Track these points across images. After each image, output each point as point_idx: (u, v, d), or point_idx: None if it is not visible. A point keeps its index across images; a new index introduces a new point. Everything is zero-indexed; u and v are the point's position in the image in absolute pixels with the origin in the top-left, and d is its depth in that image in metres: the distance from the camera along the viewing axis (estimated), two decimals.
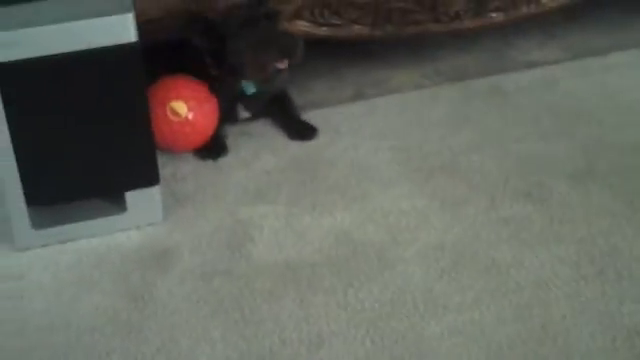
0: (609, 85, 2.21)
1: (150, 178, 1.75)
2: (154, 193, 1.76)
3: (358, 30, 2.19)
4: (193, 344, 1.51)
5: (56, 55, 1.58)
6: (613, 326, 1.50)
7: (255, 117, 2.08)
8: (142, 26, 1.66)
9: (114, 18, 1.59)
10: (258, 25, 1.93)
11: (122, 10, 1.60)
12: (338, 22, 2.16)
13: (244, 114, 2.06)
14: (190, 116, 1.89)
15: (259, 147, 2.00)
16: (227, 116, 2.02)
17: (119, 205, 1.76)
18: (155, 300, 1.60)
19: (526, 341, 1.49)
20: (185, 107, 1.88)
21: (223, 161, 1.96)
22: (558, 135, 2.01)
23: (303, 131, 2.06)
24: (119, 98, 1.66)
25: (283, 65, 1.91)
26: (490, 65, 2.34)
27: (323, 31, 2.16)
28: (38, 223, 1.72)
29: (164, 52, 1.93)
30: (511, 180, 1.87)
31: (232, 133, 2.02)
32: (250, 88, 2.00)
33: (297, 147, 2.02)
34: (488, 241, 1.71)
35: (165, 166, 1.90)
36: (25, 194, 1.68)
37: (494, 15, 2.29)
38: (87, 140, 1.67)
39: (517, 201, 1.80)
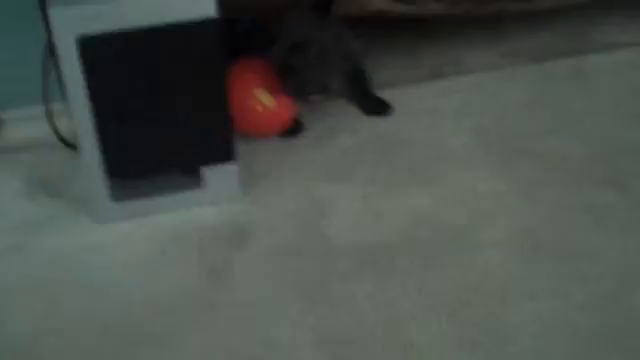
0: None
1: (227, 154, 1.74)
2: (231, 169, 1.76)
3: (435, 7, 2.15)
4: (271, 323, 1.50)
5: (137, 29, 1.57)
6: None
7: (328, 96, 2.04)
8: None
9: None
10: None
11: None
12: None
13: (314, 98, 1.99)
14: (275, 106, 1.87)
15: (335, 125, 1.99)
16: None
17: (197, 180, 1.76)
18: (233, 277, 1.60)
19: (609, 331, 1.45)
20: (271, 97, 1.86)
21: (299, 139, 1.95)
22: None
23: (378, 107, 2.03)
24: (198, 73, 1.65)
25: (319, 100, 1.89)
26: (570, 46, 2.28)
27: (400, 8, 2.12)
28: (117, 196, 1.73)
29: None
30: (593, 166, 1.82)
31: (308, 111, 2.01)
32: None
33: (373, 126, 2.00)
34: (570, 228, 1.67)
35: (242, 142, 1.89)
36: (106, 167, 1.69)
37: None
38: (166, 115, 1.67)
39: (599, 187, 1.76)
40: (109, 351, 1.48)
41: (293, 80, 1.83)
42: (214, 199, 1.77)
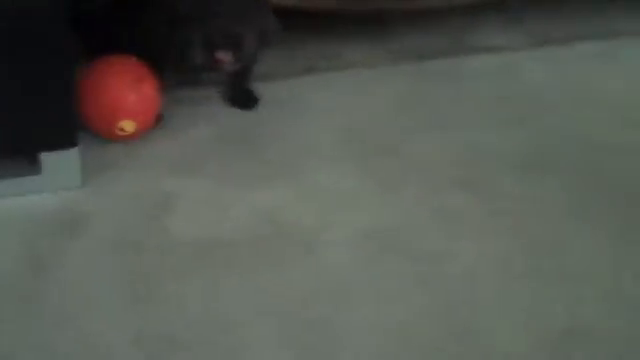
0: (572, 76, 2.11)
1: (68, 140, 1.64)
2: (73, 155, 1.65)
3: (324, 3, 2.08)
4: (90, 319, 1.40)
5: None
6: (542, 327, 1.41)
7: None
8: None
9: None
10: None
11: None
12: None
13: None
14: (137, 128, 1.77)
15: (194, 115, 1.89)
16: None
17: (34, 166, 1.65)
18: (59, 269, 1.50)
19: (447, 340, 1.39)
20: (134, 124, 1.76)
21: (155, 129, 1.84)
22: (511, 125, 1.91)
23: (244, 100, 1.94)
24: (37, 44, 1.53)
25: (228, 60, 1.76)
26: (450, 47, 2.23)
27: (290, 2, 2.04)
28: None
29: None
30: (453, 168, 1.77)
31: (170, 100, 1.90)
32: None
33: (236, 118, 1.91)
34: (421, 229, 1.61)
35: (87, 131, 1.78)
36: None
37: None
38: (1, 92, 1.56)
39: (455, 190, 1.70)
40: None
41: (201, 32, 1.71)
42: (53, 186, 1.66)
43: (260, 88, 1.98)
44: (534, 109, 1.97)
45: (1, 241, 1.55)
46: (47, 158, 1.64)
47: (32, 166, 1.65)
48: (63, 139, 1.63)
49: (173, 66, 1.81)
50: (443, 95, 2.03)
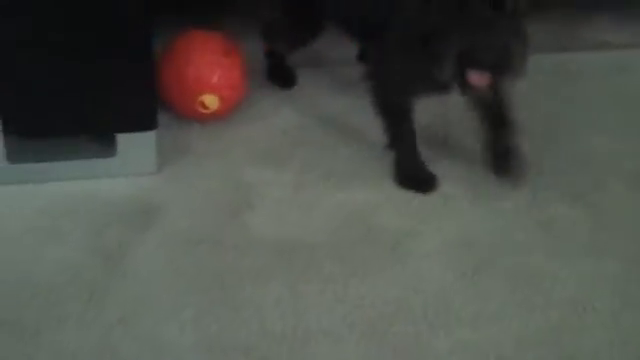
0: None
1: (147, 121, 1.54)
2: (149, 139, 1.55)
3: None
4: (158, 321, 1.30)
5: None
6: None
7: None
8: None
9: None
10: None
11: None
12: None
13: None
14: (220, 105, 1.66)
15: (280, 101, 1.77)
16: None
17: (109, 148, 1.55)
18: (127, 262, 1.39)
19: None
20: (217, 100, 1.64)
21: (235, 112, 1.72)
22: (623, 130, 1.74)
23: None
24: (119, 28, 1.45)
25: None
26: (560, 41, 2.06)
27: None
28: (15, 156, 1.52)
29: None
30: (561, 176, 1.61)
31: (257, 84, 1.78)
32: None
33: (320, 107, 1.78)
34: (522, 244, 1.46)
35: (167, 110, 1.67)
36: (3, 122, 1.48)
37: None
38: (78, 69, 1.46)
39: (562, 201, 1.55)
40: None
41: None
42: (127, 171, 1.56)
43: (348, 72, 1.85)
44: None
45: (70, 228, 1.45)
46: (123, 140, 1.54)
47: (107, 148, 1.55)
48: (142, 120, 1.53)
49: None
50: (552, 93, 1.86)
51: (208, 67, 1.64)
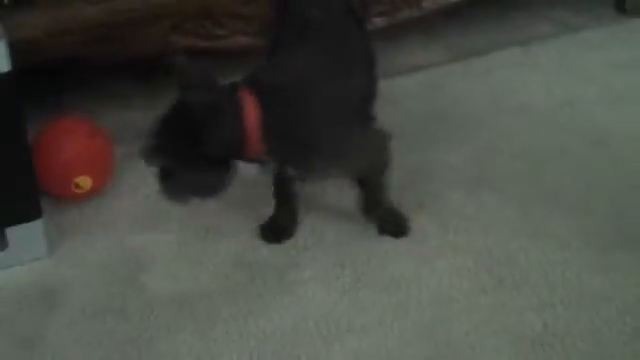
0: (493, 88, 2.22)
1: (32, 212, 1.66)
2: (37, 227, 1.67)
3: (242, 41, 2.13)
4: None
5: None
6: (516, 337, 1.50)
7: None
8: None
9: None
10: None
11: None
12: (222, 33, 2.11)
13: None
14: (94, 185, 1.80)
15: (145, 170, 1.92)
16: None
17: (0, 241, 1.66)
18: (45, 344, 1.52)
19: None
20: (90, 180, 1.79)
21: (106, 187, 1.86)
22: (449, 142, 2.01)
23: None
24: None
25: None
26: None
27: (205, 43, 2.09)
28: None
29: None
30: (405, 191, 1.85)
31: (120, 157, 1.92)
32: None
33: None
34: (386, 256, 1.69)
35: (44, 196, 1.78)
36: None
37: (377, 20, 2.27)
38: None
39: (412, 212, 1.79)
40: None
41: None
42: (20, 259, 1.67)
43: None
44: (465, 125, 2.07)
45: None
46: (12, 232, 1.65)
47: None
48: (27, 212, 1.65)
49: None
50: (379, 118, 2.10)
51: (78, 151, 1.78)
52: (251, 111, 1.41)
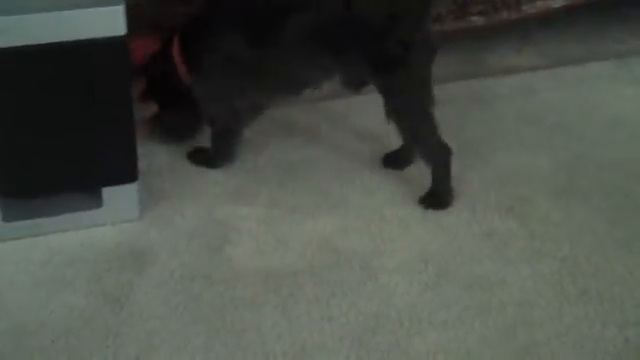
0: (587, 97, 2.21)
1: (129, 174, 1.69)
2: (131, 189, 1.71)
3: None
4: (173, 352, 1.46)
5: (41, 45, 1.51)
6: (596, 351, 1.50)
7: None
8: None
9: (105, 10, 1.52)
10: None
11: (113, 2, 1.53)
12: None
13: None
14: None
15: (245, 144, 1.95)
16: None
17: (95, 200, 1.70)
18: (132, 303, 1.55)
19: None
20: None
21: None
22: (539, 148, 2.00)
23: None
24: (102, 92, 1.60)
25: None
26: (468, 69, 2.32)
27: None
28: (9, 215, 1.65)
29: None
30: (492, 192, 1.86)
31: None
32: None
33: (276, 146, 1.97)
34: (471, 255, 1.69)
35: (141, 160, 1.82)
36: None
37: (475, 19, 2.28)
38: (66, 133, 1.61)
39: (499, 215, 1.79)
40: None
41: None
42: (113, 219, 1.71)
43: (295, 112, 2.05)
44: (556, 132, 2.07)
45: (71, 277, 1.59)
46: (108, 192, 1.69)
47: (93, 200, 1.70)
48: (125, 174, 1.69)
49: None
50: (468, 118, 2.12)
51: None
52: (176, 45, 1.80)
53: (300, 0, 1.71)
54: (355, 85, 1.84)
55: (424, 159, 1.80)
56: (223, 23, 1.75)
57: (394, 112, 1.74)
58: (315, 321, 1.53)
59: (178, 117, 1.89)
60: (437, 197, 1.81)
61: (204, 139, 1.92)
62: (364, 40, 1.69)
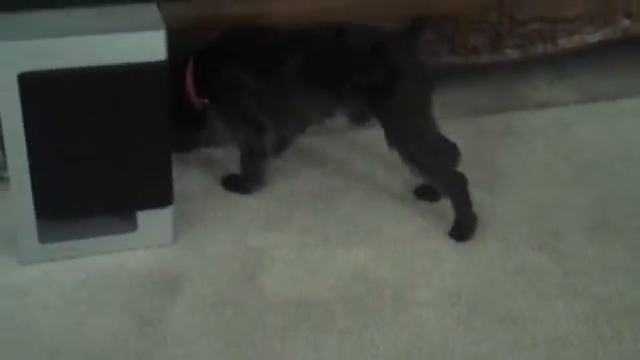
0: (622, 133, 2.20)
1: (164, 199, 1.70)
2: (166, 214, 1.72)
3: None
4: None
5: (82, 68, 1.53)
6: None
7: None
8: None
9: (146, 34, 1.54)
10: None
11: (154, 26, 1.55)
12: None
13: None
14: None
15: (278, 171, 1.96)
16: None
17: (129, 223, 1.71)
18: (165, 328, 1.55)
19: None
20: None
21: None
22: (572, 183, 2.00)
23: None
24: (140, 116, 1.61)
25: None
26: (502, 102, 2.32)
27: None
28: (46, 237, 1.66)
29: None
30: (525, 227, 1.85)
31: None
32: None
33: (309, 174, 1.98)
34: (504, 290, 1.68)
35: (176, 184, 1.83)
36: (36, 206, 1.62)
37: (509, 52, 2.28)
38: (104, 156, 1.62)
39: (532, 250, 1.78)
40: None
41: None
42: (147, 243, 1.72)
43: (309, 142, 2.05)
44: (590, 167, 2.06)
45: (106, 300, 1.60)
46: (143, 216, 1.70)
47: (128, 224, 1.71)
48: (161, 199, 1.70)
49: None
50: (502, 151, 2.11)
51: None
52: (190, 67, 1.84)
53: (295, 39, 1.79)
54: (359, 119, 1.85)
55: (439, 189, 1.82)
56: (233, 57, 1.81)
57: (394, 142, 1.77)
58: (346, 353, 1.53)
59: (180, 130, 1.85)
60: (461, 228, 1.81)
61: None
62: (354, 72, 1.73)
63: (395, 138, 1.77)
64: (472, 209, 1.81)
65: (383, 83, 1.73)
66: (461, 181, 1.80)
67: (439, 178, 1.81)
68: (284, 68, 1.77)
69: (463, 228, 1.81)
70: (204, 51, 1.85)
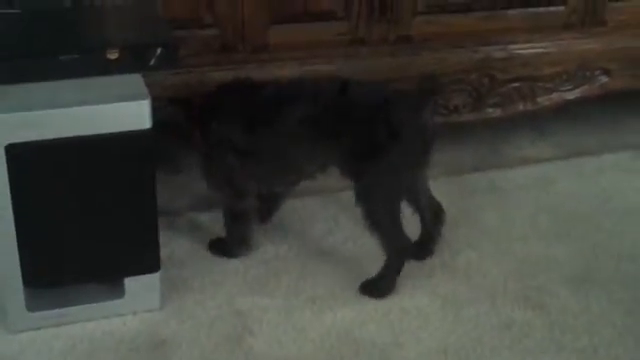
0: (604, 188, 2.23)
1: (151, 265, 1.72)
2: (154, 279, 1.73)
3: None
4: None
5: (69, 138, 1.55)
6: None
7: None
8: None
9: (131, 104, 1.57)
10: None
11: (139, 96, 1.58)
12: None
13: None
14: None
15: (257, 235, 1.98)
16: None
17: (117, 289, 1.72)
18: None
19: None
20: None
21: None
22: (556, 237, 2.02)
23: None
24: (127, 184, 1.64)
25: None
26: (486, 160, 2.36)
27: None
28: (33, 305, 1.67)
29: None
30: (511, 282, 1.87)
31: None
32: None
33: (295, 236, 2.00)
34: (491, 347, 1.69)
35: (162, 249, 1.85)
36: (23, 275, 1.63)
37: (491, 110, 2.32)
38: (91, 224, 1.64)
39: (518, 305, 1.80)
40: None
41: None
42: (134, 309, 1.73)
43: (310, 203, 2.08)
44: (573, 222, 2.08)
45: None
46: (130, 282, 1.71)
47: (115, 290, 1.72)
48: (147, 264, 1.71)
49: None
50: (487, 208, 2.14)
51: None
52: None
53: (292, 93, 1.80)
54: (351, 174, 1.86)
55: (382, 246, 1.81)
56: (226, 110, 1.82)
57: (362, 198, 1.77)
58: None
59: (169, 156, 1.87)
60: (377, 286, 1.82)
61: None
62: (354, 128, 1.75)
63: (363, 195, 1.78)
64: (397, 275, 1.82)
65: (378, 141, 1.74)
66: (404, 248, 1.82)
67: (388, 238, 1.80)
68: (283, 119, 1.77)
69: (379, 287, 1.82)
70: (208, 97, 1.86)
